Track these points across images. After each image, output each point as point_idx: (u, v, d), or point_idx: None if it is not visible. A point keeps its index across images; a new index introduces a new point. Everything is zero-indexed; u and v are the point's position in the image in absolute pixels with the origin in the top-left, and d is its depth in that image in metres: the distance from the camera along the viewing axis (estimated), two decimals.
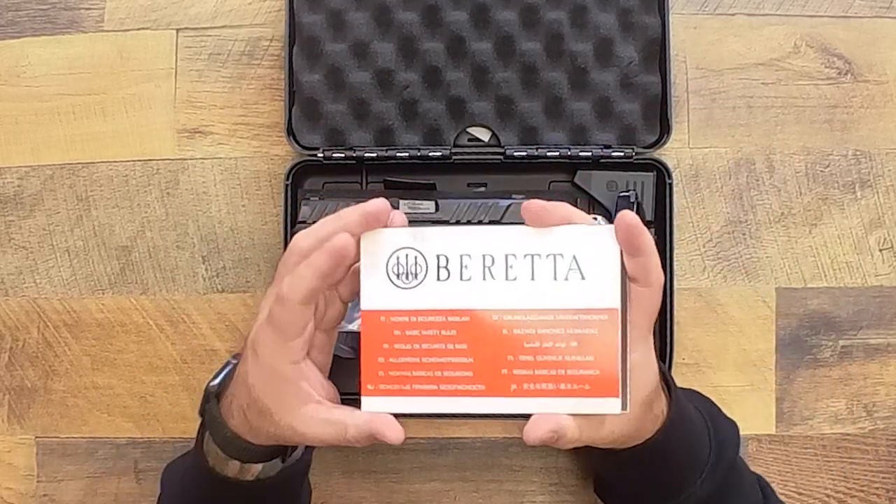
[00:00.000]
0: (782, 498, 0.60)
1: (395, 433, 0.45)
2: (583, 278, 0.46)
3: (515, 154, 0.68)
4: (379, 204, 0.46)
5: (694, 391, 0.59)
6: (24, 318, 0.72)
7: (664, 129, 0.68)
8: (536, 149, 0.68)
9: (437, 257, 0.46)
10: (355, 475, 0.70)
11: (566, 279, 0.46)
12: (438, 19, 0.68)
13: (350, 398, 0.67)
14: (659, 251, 0.66)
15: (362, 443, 0.47)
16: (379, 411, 0.46)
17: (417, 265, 0.47)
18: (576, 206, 0.68)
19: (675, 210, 0.68)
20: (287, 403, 0.48)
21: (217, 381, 0.53)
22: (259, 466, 0.52)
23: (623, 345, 0.46)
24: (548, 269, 0.46)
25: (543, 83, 0.68)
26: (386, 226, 0.47)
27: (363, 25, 0.68)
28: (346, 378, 0.68)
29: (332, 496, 0.70)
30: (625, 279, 0.46)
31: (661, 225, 0.67)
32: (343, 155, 0.68)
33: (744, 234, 0.71)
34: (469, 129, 0.70)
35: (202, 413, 0.53)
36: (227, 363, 0.54)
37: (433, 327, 0.46)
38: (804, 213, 0.71)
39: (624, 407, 0.45)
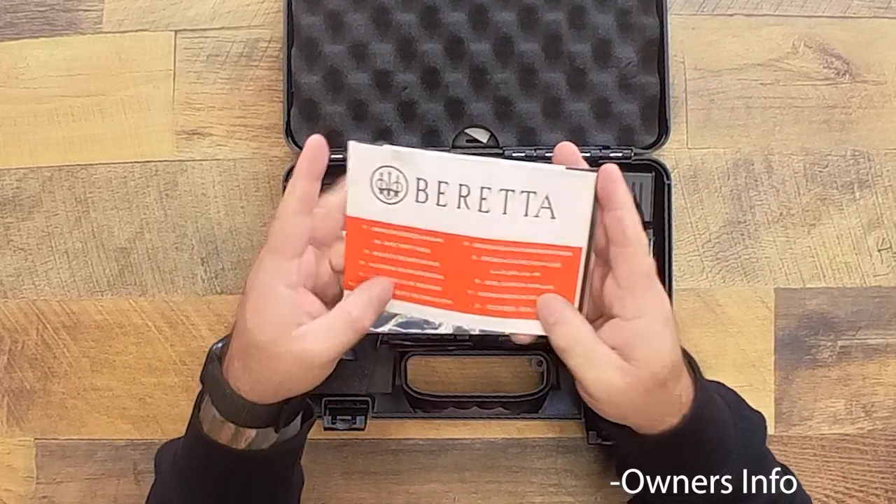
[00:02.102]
0: None
1: (383, 286, 0.50)
2: (553, 217, 0.48)
3: (514, 155, 0.68)
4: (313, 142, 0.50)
5: (719, 382, 0.59)
6: (23, 320, 0.72)
7: (663, 130, 0.68)
8: (535, 150, 0.68)
9: (417, 180, 0.48)
10: (354, 476, 0.70)
11: (537, 216, 0.48)
12: (437, 20, 0.68)
13: (350, 398, 0.68)
14: (658, 252, 0.67)
15: (366, 318, 0.49)
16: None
17: (398, 184, 0.48)
18: None
19: (674, 211, 0.68)
20: (286, 329, 0.48)
21: (220, 344, 0.53)
22: (252, 433, 0.51)
23: (583, 282, 0.49)
24: (520, 205, 0.48)
25: (542, 84, 0.68)
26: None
27: (361, 26, 0.68)
28: (346, 379, 0.68)
29: (332, 497, 0.70)
30: (594, 224, 0.49)
31: (659, 226, 0.67)
32: (342, 156, 0.68)
33: (742, 235, 0.71)
34: (468, 130, 0.70)
35: (203, 378, 0.53)
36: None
37: (410, 243, 0.49)
38: (803, 213, 0.71)
39: None
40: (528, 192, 0.48)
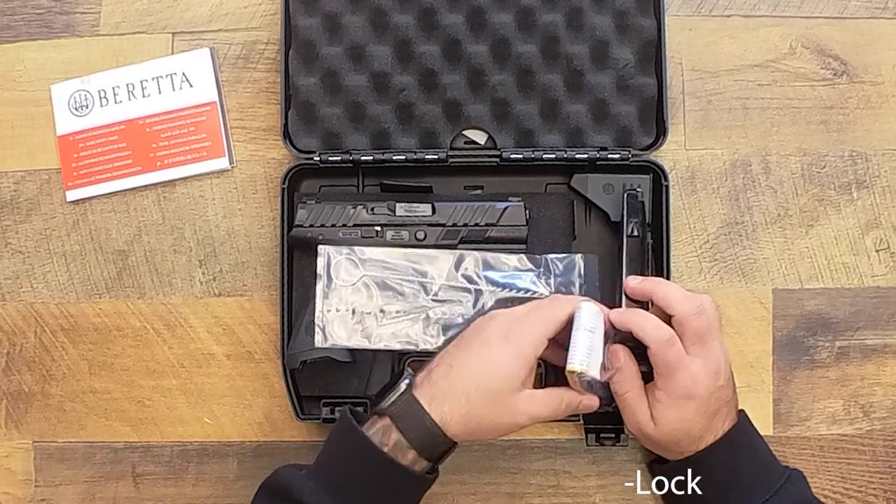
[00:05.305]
0: None
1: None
2: (191, 86, 0.70)
3: (512, 157, 0.68)
4: None
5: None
6: (21, 323, 0.72)
7: (660, 131, 0.68)
8: (532, 151, 0.68)
9: (98, 91, 0.70)
10: None
11: (181, 89, 0.70)
12: (434, 22, 0.68)
13: (349, 400, 0.68)
14: (656, 253, 0.67)
15: (573, 408, 0.61)
16: (81, 197, 0.71)
17: (86, 100, 0.70)
18: (572, 208, 0.69)
19: (672, 212, 0.67)
20: (518, 388, 0.58)
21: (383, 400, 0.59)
22: (425, 463, 0.57)
23: (224, 124, 0.70)
24: (168, 85, 0.70)
25: (539, 86, 0.68)
26: None
27: (359, 28, 0.68)
28: (344, 381, 0.68)
29: None
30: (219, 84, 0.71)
31: (657, 227, 0.67)
32: (339, 158, 0.68)
33: (740, 236, 0.71)
34: (465, 132, 0.69)
35: (392, 410, 0.57)
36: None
37: (103, 136, 0.71)
38: (801, 214, 0.71)
39: (231, 162, 0.70)
40: (171, 74, 0.70)
